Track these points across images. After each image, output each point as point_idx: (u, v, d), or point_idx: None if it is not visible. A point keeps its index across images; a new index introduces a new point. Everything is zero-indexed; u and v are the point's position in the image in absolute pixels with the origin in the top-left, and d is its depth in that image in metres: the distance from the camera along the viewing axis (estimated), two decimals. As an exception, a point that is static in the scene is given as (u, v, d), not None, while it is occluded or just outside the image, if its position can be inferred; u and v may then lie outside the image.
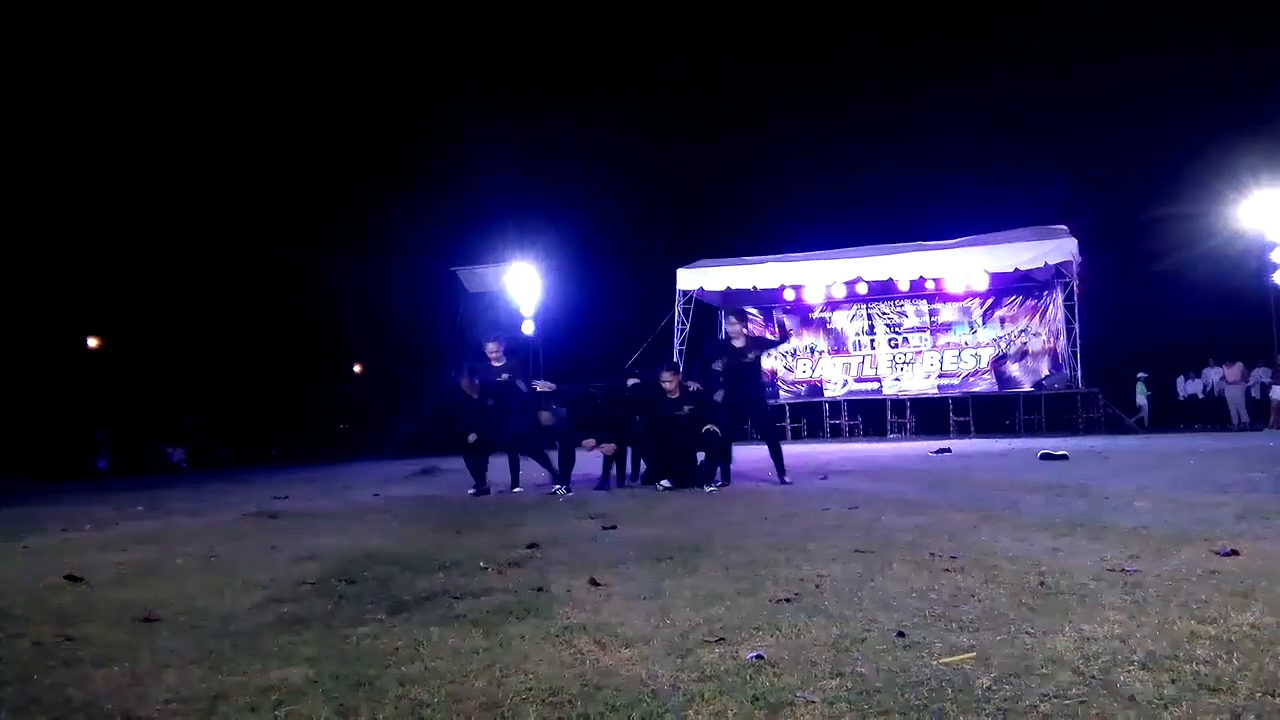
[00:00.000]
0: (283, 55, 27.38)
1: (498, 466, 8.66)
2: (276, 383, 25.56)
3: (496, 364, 8.43)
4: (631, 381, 8.87)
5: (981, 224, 19.70)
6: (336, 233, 27.92)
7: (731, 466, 8.21)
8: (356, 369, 31.22)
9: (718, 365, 7.92)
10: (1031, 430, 16.58)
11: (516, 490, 8.21)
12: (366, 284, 26.72)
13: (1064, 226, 17.92)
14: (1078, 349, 17.76)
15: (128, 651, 2.69)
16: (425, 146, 32.30)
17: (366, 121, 30.49)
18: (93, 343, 24.61)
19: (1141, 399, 19.76)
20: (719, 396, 7.95)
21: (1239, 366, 17.80)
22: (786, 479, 7.74)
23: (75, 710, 2.18)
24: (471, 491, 8.10)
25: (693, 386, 8.09)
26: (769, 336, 15.94)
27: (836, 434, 18.82)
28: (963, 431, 17.41)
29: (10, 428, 19.06)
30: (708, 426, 7.56)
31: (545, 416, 8.70)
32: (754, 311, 20.84)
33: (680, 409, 7.81)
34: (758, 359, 8.07)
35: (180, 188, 25.61)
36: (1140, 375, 19.89)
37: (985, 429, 17.45)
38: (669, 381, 7.92)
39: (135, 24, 24.43)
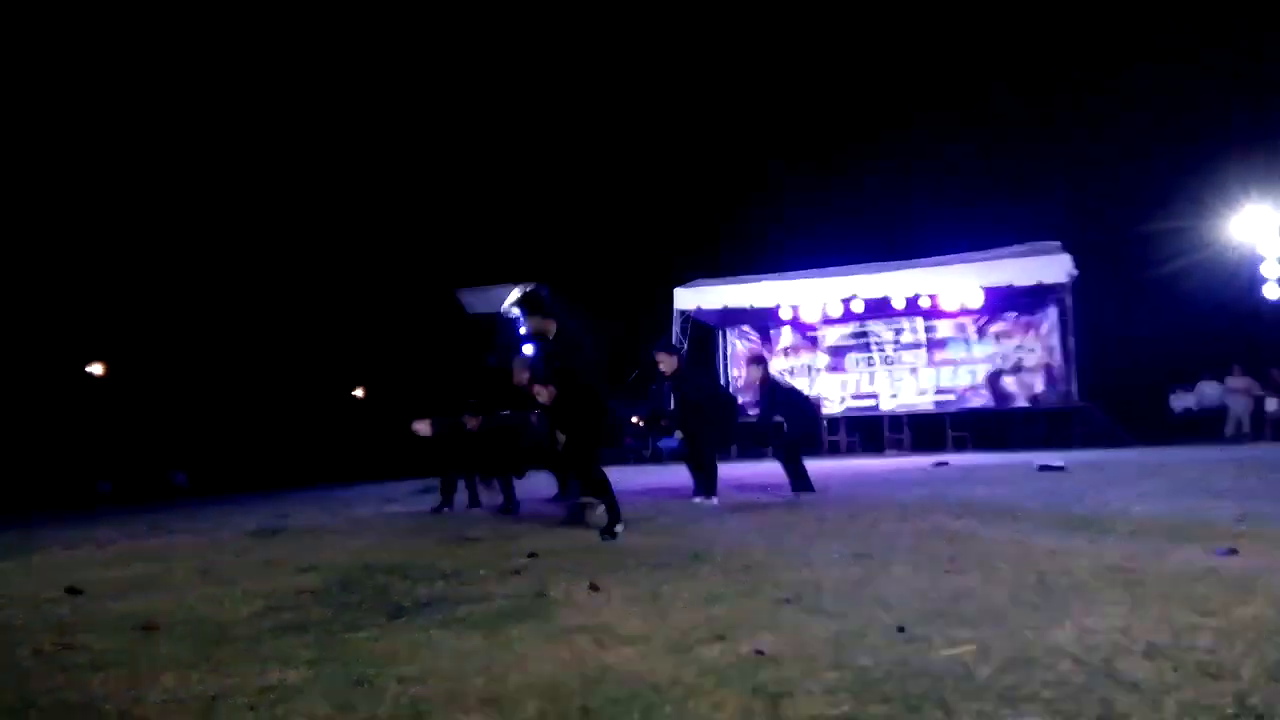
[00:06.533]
0: (277, 70, 27.60)
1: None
2: (278, 406, 25.53)
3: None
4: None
5: (977, 241, 19.76)
6: (338, 256, 28.03)
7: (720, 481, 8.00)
8: (358, 393, 31.18)
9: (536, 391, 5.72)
10: (1028, 444, 16.54)
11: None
12: (367, 307, 26.78)
13: (1058, 243, 18.01)
14: (1072, 364, 17.76)
15: (126, 658, 2.68)
16: (426, 168, 32.45)
17: (363, 142, 30.68)
18: (95, 369, 24.57)
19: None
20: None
21: (1246, 379, 17.66)
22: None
23: (72, 711, 2.18)
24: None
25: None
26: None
27: (835, 450, 18.78)
28: (960, 446, 17.37)
29: (12, 453, 18.98)
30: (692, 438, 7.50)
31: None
32: (749, 330, 20.90)
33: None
34: (585, 362, 5.55)
35: (178, 210, 25.72)
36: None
37: (982, 444, 17.41)
38: (664, 363, 7.38)
39: (130, 42, 24.62)
